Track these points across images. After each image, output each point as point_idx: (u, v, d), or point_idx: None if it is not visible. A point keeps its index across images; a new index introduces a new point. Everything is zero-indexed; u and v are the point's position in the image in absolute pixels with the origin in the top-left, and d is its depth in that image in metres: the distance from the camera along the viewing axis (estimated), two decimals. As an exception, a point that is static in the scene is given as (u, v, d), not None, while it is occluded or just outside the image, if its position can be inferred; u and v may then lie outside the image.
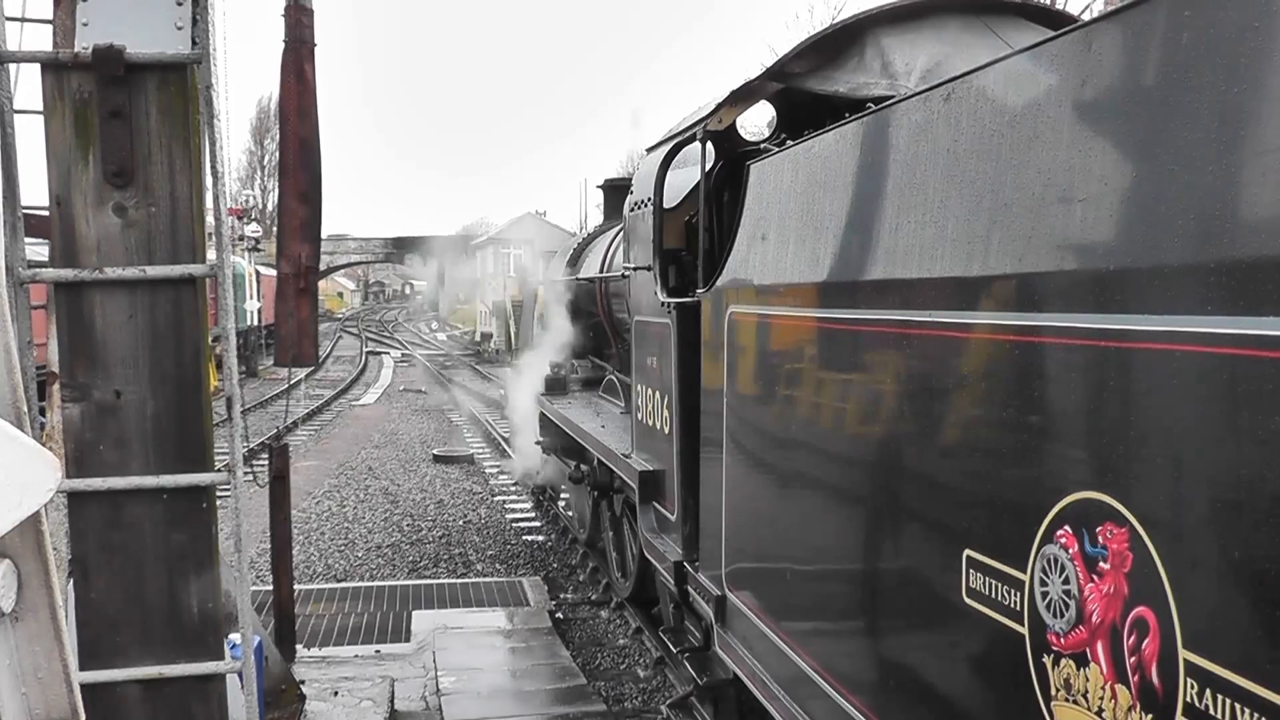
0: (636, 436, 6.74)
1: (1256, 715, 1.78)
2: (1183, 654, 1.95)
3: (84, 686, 2.04)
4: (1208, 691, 1.89)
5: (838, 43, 5.12)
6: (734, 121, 5.84)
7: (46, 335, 3.80)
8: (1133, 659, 2.08)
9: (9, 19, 4.67)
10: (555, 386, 10.16)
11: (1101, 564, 2.16)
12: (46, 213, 2.77)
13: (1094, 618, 2.19)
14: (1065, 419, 2.34)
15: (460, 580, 9.49)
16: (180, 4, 2.74)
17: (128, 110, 2.69)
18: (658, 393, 6.04)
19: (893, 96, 4.05)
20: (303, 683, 6.37)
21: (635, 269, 6.48)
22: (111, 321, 2.73)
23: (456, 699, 6.54)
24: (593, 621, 8.60)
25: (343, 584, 9.39)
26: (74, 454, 2.75)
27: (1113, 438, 2.16)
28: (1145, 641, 2.04)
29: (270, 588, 7.04)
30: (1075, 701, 2.26)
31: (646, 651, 7.63)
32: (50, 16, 4.16)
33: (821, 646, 3.80)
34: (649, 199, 6.06)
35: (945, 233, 2.85)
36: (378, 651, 7.42)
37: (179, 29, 2.73)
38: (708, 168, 5.52)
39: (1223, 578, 1.89)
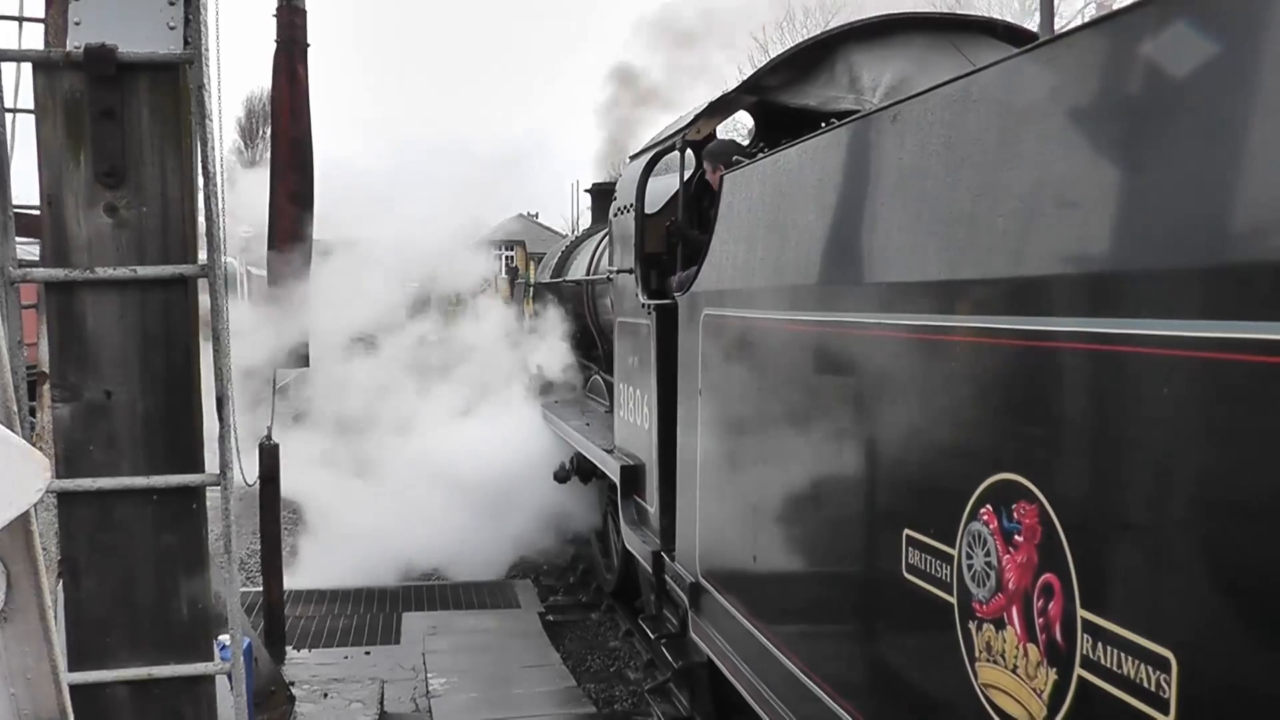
0: (618, 433, 6.91)
1: (1133, 660, 2.03)
2: (1080, 613, 2.18)
3: (73, 687, 2.04)
4: (1099, 644, 2.13)
5: (810, 58, 5.39)
6: (713, 131, 6.05)
7: (37, 335, 3.79)
8: (1041, 620, 2.32)
9: (1, 18, 4.65)
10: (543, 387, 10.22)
11: (1016, 537, 2.39)
12: (37, 212, 2.77)
13: (1010, 585, 2.42)
14: (988, 409, 2.61)
15: (451, 582, 9.46)
16: (173, 4, 2.73)
17: (120, 110, 2.68)
18: (638, 390, 6.21)
19: (858, 111, 4.29)
20: (292, 684, 6.36)
21: (618, 272, 6.68)
22: (102, 321, 2.72)
23: (446, 701, 6.54)
24: (583, 624, 8.60)
25: (333, 585, 9.34)
26: (64, 454, 2.74)
27: (1025, 425, 2.44)
28: (1051, 604, 2.28)
29: (260, 589, 7.02)
30: (995, 661, 2.49)
31: (637, 654, 7.63)
32: (43, 16, 4.15)
33: (782, 625, 4.00)
34: (631, 205, 6.26)
35: (889, 242, 3.13)
36: (368, 653, 7.40)
37: (171, 29, 2.72)
38: (687, 176, 5.80)
39: (1111, 543, 2.15)
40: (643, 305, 5.93)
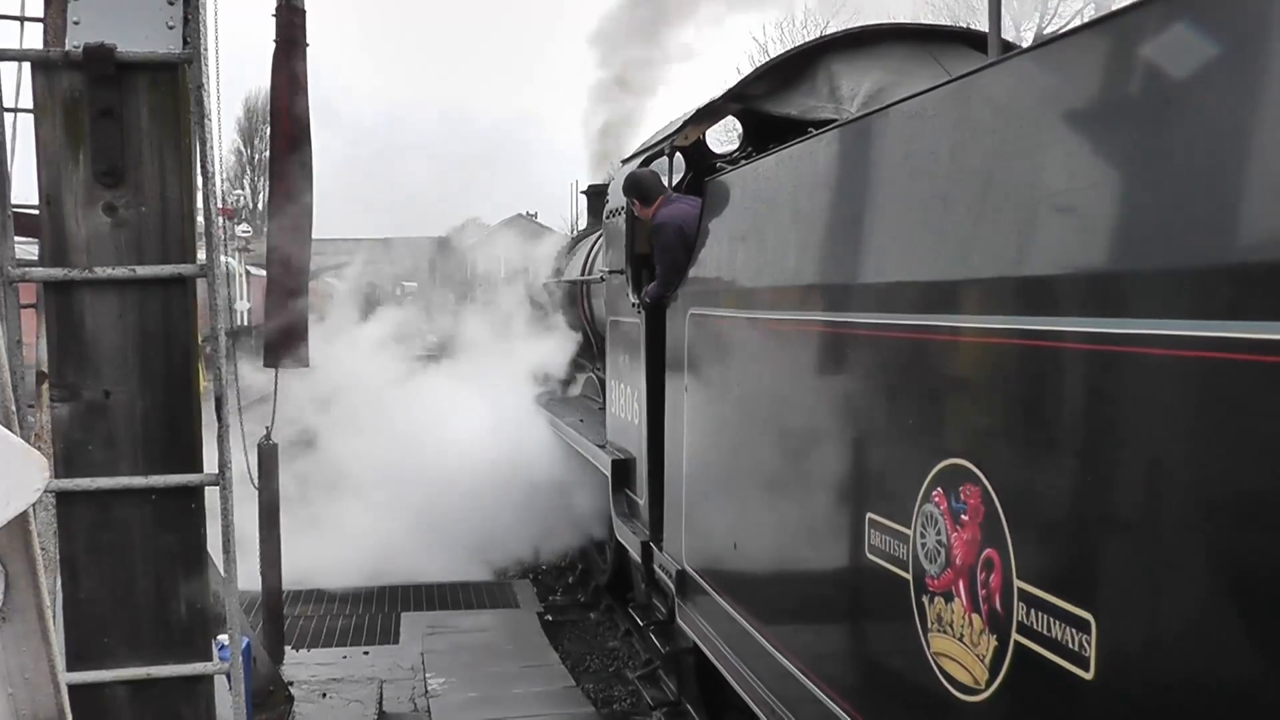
0: (610, 429, 7.04)
1: (1059, 623, 2.24)
2: (1017, 583, 2.40)
3: (72, 687, 2.04)
4: (1033, 611, 2.34)
5: (794, 67, 5.53)
6: (701, 136, 6.20)
7: (36, 334, 3.79)
8: (983, 591, 2.53)
9: (2, 17, 4.65)
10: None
11: (963, 516, 2.61)
12: (37, 212, 2.77)
13: (957, 561, 2.64)
14: (941, 401, 2.84)
15: (450, 582, 9.44)
16: (172, 3, 2.73)
17: (119, 109, 2.68)
18: (629, 387, 6.36)
19: (836, 120, 4.52)
20: (291, 684, 6.35)
21: (611, 272, 6.85)
22: (101, 321, 2.72)
23: (445, 701, 6.54)
24: (582, 624, 8.60)
25: (331, 585, 9.32)
26: (63, 453, 2.74)
27: (971, 414, 2.67)
28: (991, 576, 2.50)
29: (259, 588, 7.01)
30: (944, 631, 2.70)
31: (635, 654, 7.63)
32: (42, 15, 4.15)
33: (759, 609, 4.20)
34: (623, 207, 6.36)
35: (857, 246, 3.35)
36: (366, 653, 7.40)
37: (170, 28, 2.72)
38: (675, 180, 5.96)
39: (1040, 518, 2.36)
40: (633, 305, 6.08)
